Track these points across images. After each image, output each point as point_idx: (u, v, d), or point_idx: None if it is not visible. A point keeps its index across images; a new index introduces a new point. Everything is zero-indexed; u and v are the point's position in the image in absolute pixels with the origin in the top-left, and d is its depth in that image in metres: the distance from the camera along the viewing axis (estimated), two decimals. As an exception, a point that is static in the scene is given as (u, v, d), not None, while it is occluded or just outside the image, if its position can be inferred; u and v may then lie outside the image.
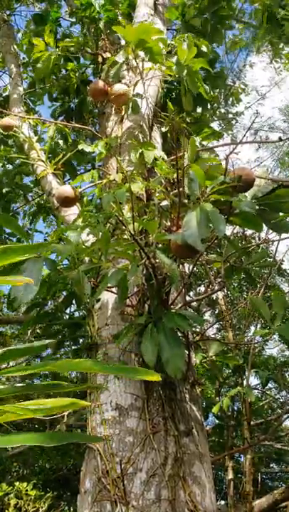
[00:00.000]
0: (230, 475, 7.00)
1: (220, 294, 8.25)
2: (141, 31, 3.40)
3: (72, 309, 3.26)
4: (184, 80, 3.68)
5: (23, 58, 5.78)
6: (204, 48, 4.08)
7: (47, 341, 0.99)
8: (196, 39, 4.13)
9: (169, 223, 2.66)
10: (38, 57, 4.33)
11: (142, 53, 3.54)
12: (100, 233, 2.51)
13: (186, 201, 2.37)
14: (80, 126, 4.48)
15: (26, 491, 5.26)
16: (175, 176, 2.55)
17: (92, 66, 4.89)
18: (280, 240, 2.90)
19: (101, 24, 4.46)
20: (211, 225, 2.07)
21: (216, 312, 9.41)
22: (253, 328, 8.31)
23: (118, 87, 3.81)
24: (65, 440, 0.91)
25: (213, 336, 7.88)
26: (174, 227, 2.43)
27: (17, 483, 5.37)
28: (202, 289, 9.05)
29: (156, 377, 0.96)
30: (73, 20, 4.93)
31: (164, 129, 3.94)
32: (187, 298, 2.93)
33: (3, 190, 5.07)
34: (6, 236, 5.26)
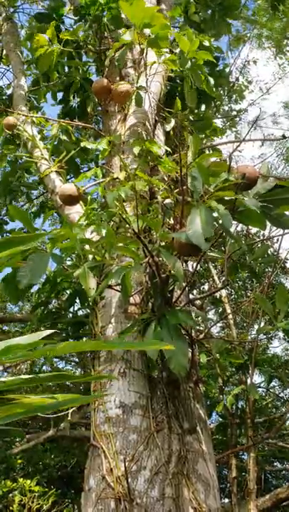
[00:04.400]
0: (233, 473, 6.99)
1: (223, 292, 8.24)
2: (147, 14, 3.36)
3: (76, 308, 3.26)
4: (188, 74, 3.66)
5: (27, 56, 5.78)
6: (206, 43, 4.06)
7: (48, 332, 0.96)
8: (198, 35, 4.12)
9: (172, 221, 2.66)
10: (41, 52, 4.31)
11: (147, 33, 3.49)
12: (104, 231, 2.51)
13: (189, 199, 2.36)
14: (83, 124, 4.48)
15: (30, 487, 5.28)
16: (178, 173, 2.54)
17: (95, 64, 4.88)
18: (283, 235, 2.89)
19: (104, 21, 4.45)
20: (214, 223, 2.07)
21: (220, 310, 9.39)
22: (256, 327, 8.28)
23: (121, 85, 3.81)
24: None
25: (216, 335, 7.86)
26: (178, 225, 2.43)
27: (21, 480, 5.39)
28: (206, 287, 9.04)
29: (169, 346, 0.90)
30: (76, 18, 4.92)
31: (168, 127, 3.93)
32: (190, 296, 2.93)
33: (10, 187, 5.07)
34: (7, 233, 5.27)
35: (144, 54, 4.00)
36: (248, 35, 9.28)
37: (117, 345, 1.09)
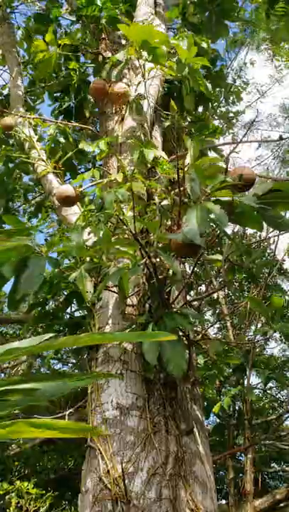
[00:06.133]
0: (231, 474, 6.99)
1: (221, 294, 8.25)
2: (145, 32, 3.37)
3: (73, 309, 3.26)
4: (186, 79, 3.67)
5: (23, 56, 5.77)
6: (204, 45, 4.07)
7: (48, 335, 0.96)
8: (196, 37, 4.13)
9: (169, 223, 2.66)
10: (40, 58, 4.30)
11: (144, 54, 3.51)
12: (101, 232, 2.51)
13: (186, 200, 2.37)
14: (80, 125, 4.48)
15: (27, 489, 5.27)
16: (176, 175, 2.55)
17: (92, 65, 4.88)
18: (279, 235, 2.90)
19: (102, 22, 4.45)
20: (210, 222, 2.07)
21: (217, 312, 9.40)
22: (253, 328, 8.30)
23: (118, 87, 3.81)
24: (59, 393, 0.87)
25: (214, 336, 7.87)
26: (175, 227, 2.43)
27: (18, 482, 5.37)
28: (203, 288, 9.04)
29: (172, 337, 0.90)
30: (73, 19, 4.92)
31: (165, 127, 3.94)
32: (188, 297, 2.93)
33: (7, 188, 5.06)
34: None
35: (144, 60, 4.01)
36: (246, 37, 9.31)
37: (116, 338, 1.08)
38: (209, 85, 3.83)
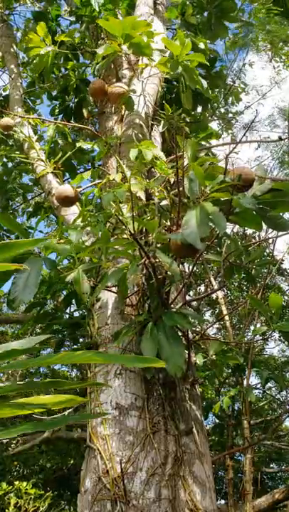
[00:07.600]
0: (230, 474, 6.99)
1: (220, 294, 8.25)
2: (127, 25, 3.31)
3: (72, 309, 3.26)
4: (182, 77, 3.66)
5: (23, 58, 5.78)
6: (202, 45, 4.06)
7: (45, 336, 0.97)
8: (194, 37, 4.12)
9: (168, 223, 2.66)
10: (36, 53, 4.28)
11: (125, 48, 3.48)
12: (100, 233, 2.51)
13: (186, 201, 2.37)
14: (79, 125, 4.48)
15: (26, 490, 5.27)
16: (175, 175, 2.55)
17: (91, 65, 4.88)
18: (279, 237, 2.90)
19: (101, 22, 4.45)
20: (210, 223, 2.07)
21: (216, 312, 9.40)
22: (252, 328, 8.30)
23: (117, 87, 3.81)
24: (60, 423, 0.89)
25: (213, 336, 7.87)
26: (174, 227, 2.43)
27: (17, 482, 5.38)
28: (202, 288, 9.05)
29: (161, 364, 0.93)
30: (72, 19, 4.92)
31: (161, 129, 3.93)
32: (187, 297, 2.93)
33: (6, 188, 5.06)
34: (4, 233, 5.26)
35: (141, 57, 4.01)
36: (245, 38, 9.32)
37: (112, 359, 1.10)
38: (207, 85, 3.81)
